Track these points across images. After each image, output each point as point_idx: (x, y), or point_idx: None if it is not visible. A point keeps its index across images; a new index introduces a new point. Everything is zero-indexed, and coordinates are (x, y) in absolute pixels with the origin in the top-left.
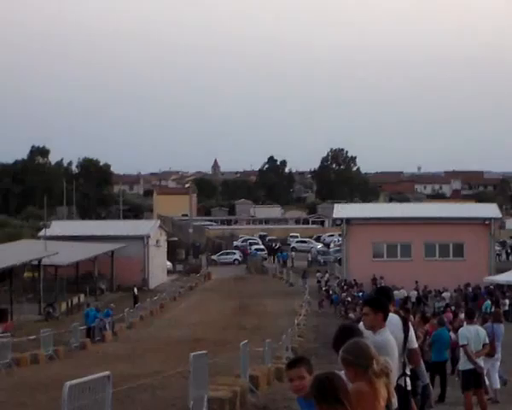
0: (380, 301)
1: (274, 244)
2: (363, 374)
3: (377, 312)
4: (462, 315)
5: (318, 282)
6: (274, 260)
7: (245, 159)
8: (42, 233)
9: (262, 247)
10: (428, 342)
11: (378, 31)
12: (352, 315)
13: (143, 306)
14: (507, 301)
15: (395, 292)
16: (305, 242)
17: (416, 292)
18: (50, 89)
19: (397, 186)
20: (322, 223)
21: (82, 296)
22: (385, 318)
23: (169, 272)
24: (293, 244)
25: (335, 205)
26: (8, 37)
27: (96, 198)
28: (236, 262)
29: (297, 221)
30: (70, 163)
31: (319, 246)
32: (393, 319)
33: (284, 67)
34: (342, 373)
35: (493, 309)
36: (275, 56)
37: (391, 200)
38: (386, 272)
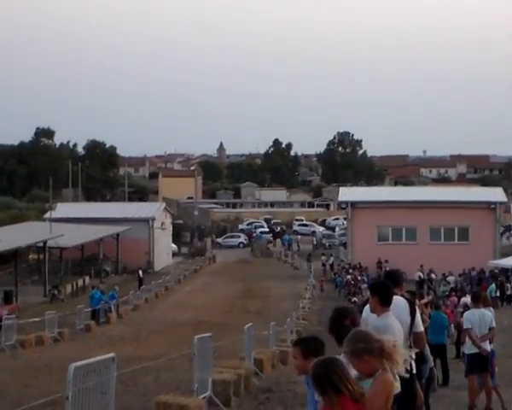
0: (379, 285)
1: (276, 227)
2: (377, 362)
3: (373, 295)
4: (467, 299)
5: (323, 265)
6: (275, 243)
7: (250, 142)
8: (47, 215)
9: (267, 230)
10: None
11: (381, 13)
12: (355, 299)
13: (148, 288)
14: (509, 286)
15: (417, 273)
16: (306, 225)
17: (432, 275)
18: (55, 70)
19: (402, 170)
20: (327, 206)
21: (87, 279)
22: (382, 302)
23: (174, 254)
24: (295, 228)
25: (341, 188)
26: (12, 16)
27: (102, 180)
28: (241, 245)
29: (302, 204)
30: (75, 145)
31: (321, 229)
32: (400, 302)
33: (290, 50)
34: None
35: (498, 293)
36: (281, 39)
37: (396, 183)
38: (391, 256)
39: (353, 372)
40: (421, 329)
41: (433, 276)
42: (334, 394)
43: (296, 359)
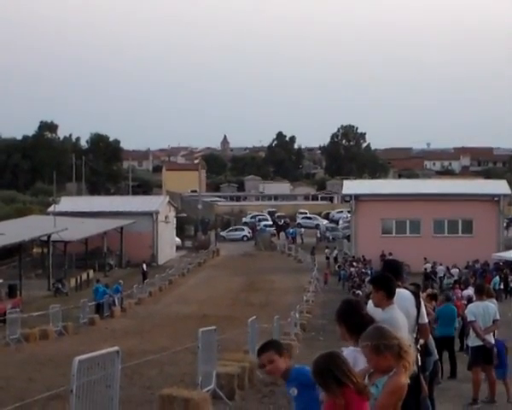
0: (381, 278)
1: (280, 221)
2: (393, 360)
3: (378, 290)
4: (471, 291)
5: (327, 258)
6: (279, 236)
7: (254, 135)
8: (51, 209)
9: (270, 223)
10: (433, 318)
11: (382, 7)
12: (359, 292)
13: (152, 282)
14: None
15: (426, 265)
16: (310, 218)
17: (442, 267)
18: (58, 64)
19: (406, 162)
20: (331, 199)
21: (91, 272)
22: (388, 295)
23: (178, 248)
24: (298, 220)
25: (344, 181)
26: (16, 11)
27: (106, 174)
28: (245, 239)
29: (306, 197)
30: (78, 138)
31: (325, 222)
32: (405, 294)
33: (294, 43)
34: (345, 351)
35: (502, 286)
36: (285, 32)
37: (400, 176)
38: (394, 249)
39: (358, 368)
40: (426, 320)
41: (440, 268)
42: (338, 387)
43: (273, 362)
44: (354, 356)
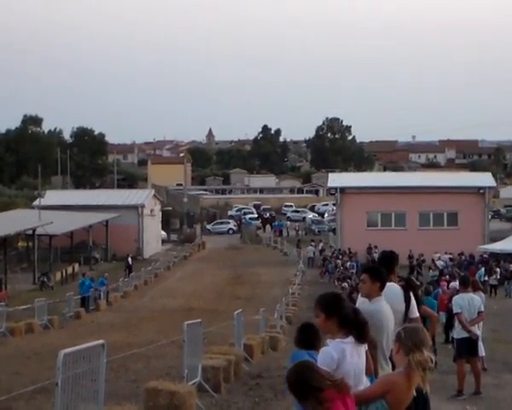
0: (379, 270)
1: (265, 214)
2: (403, 357)
3: (375, 281)
4: (456, 283)
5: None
6: (265, 229)
7: (239, 128)
8: (36, 203)
9: (256, 216)
10: None
11: None
12: (345, 284)
13: (138, 275)
14: (498, 270)
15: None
16: (298, 211)
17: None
18: (42, 58)
19: (391, 155)
20: (316, 192)
21: (76, 266)
22: (381, 288)
23: (163, 241)
24: (288, 214)
25: (330, 174)
26: None
27: (91, 168)
28: (231, 232)
29: (291, 190)
30: (61, 131)
31: (311, 215)
32: (394, 288)
33: (279, 36)
34: (330, 344)
35: (487, 278)
36: (271, 23)
37: (385, 169)
38: (380, 242)
39: (345, 361)
40: (417, 314)
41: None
42: (320, 392)
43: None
44: (341, 348)
